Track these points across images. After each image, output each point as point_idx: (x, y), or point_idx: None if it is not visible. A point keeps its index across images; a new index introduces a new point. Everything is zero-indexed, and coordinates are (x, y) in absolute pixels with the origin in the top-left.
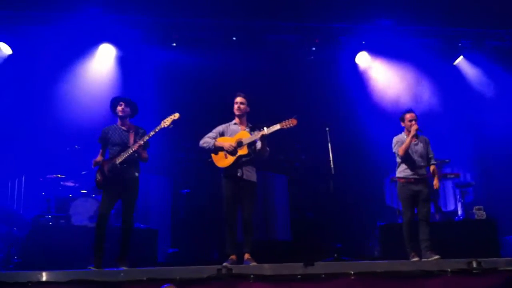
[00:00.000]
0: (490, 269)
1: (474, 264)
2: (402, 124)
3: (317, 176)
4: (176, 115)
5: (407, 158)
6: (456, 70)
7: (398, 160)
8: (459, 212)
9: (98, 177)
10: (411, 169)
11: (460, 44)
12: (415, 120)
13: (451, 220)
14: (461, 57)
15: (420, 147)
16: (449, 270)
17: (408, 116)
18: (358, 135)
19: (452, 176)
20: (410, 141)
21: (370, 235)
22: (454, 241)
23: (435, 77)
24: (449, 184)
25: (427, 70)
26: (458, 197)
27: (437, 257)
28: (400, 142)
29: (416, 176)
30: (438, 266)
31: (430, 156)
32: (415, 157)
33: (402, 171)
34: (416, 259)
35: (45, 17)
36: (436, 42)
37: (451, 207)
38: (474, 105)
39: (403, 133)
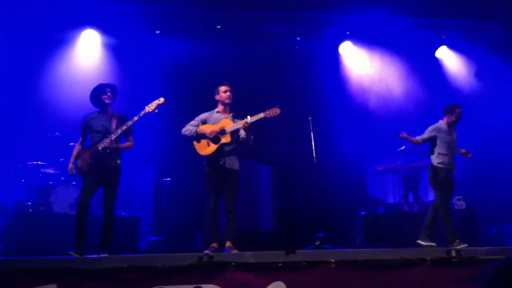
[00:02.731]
0: (469, 258)
1: (453, 253)
2: (447, 116)
3: (300, 166)
4: (161, 100)
5: (446, 147)
6: (438, 61)
7: (436, 148)
8: None
9: (80, 163)
10: (449, 158)
11: (443, 36)
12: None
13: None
14: (443, 47)
15: (454, 136)
16: (428, 258)
17: (458, 110)
18: (341, 125)
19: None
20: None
21: (352, 224)
22: (434, 230)
23: (419, 67)
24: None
25: (411, 60)
26: None
27: (465, 245)
28: (436, 130)
29: (452, 167)
30: (418, 255)
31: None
32: (452, 146)
33: (441, 159)
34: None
35: None
36: (423, 33)
37: (431, 197)
38: (458, 96)
39: (441, 121)
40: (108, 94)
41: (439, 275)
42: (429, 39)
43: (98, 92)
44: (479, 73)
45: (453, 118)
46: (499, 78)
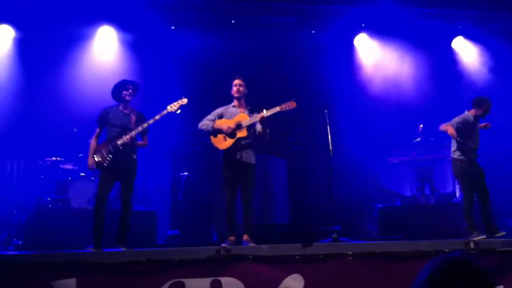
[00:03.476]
0: (487, 250)
1: (472, 245)
2: (476, 109)
3: (316, 159)
4: (184, 101)
5: (468, 139)
6: (454, 52)
7: (460, 140)
8: (457, 194)
9: (97, 158)
10: (471, 150)
11: (460, 27)
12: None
13: (449, 202)
14: (460, 37)
15: (478, 128)
16: (446, 250)
17: (487, 104)
18: (356, 118)
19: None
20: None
21: (368, 217)
22: (451, 222)
23: (434, 59)
24: (447, 166)
25: (426, 52)
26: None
27: (503, 233)
28: (462, 122)
29: (473, 157)
30: (435, 247)
31: None
32: (476, 139)
33: (462, 151)
34: (482, 236)
35: None
36: (436, 23)
37: (449, 189)
38: (474, 88)
39: (467, 113)
40: (130, 91)
41: None
42: (445, 29)
43: (120, 87)
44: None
45: (481, 111)
46: None
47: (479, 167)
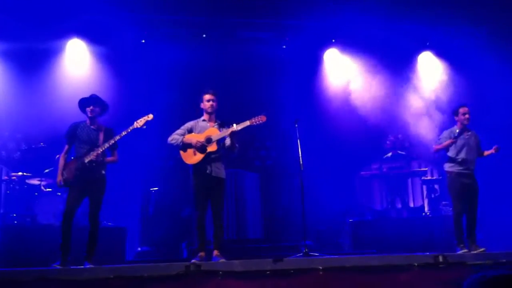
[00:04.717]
0: (456, 263)
1: (441, 259)
2: (456, 118)
3: (288, 173)
4: (150, 116)
5: (457, 151)
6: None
7: (449, 153)
8: (426, 208)
9: (65, 174)
10: (462, 162)
11: (427, 43)
12: (469, 114)
13: (419, 215)
14: (427, 52)
15: (471, 140)
16: (416, 264)
17: (461, 110)
18: (328, 132)
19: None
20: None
21: (340, 231)
22: (421, 236)
23: (402, 74)
24: (416, 180)
25: (395, 66)
26: (425, 193)
27: (483, 249)
28: (447, 135)
29: (467, 171)
30: (406, 261)
31: (480, 150)
32: (469, 150)
33: (453, 164)
34: (464, 250)
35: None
36: (404, 38)
37: (418, 202)
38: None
39: (455, 126)
40: (92, 107)
41: (427, 280)
42: (414, 45)
43: (82, 104)
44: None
45: (459, 119)
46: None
47: (472, 181)
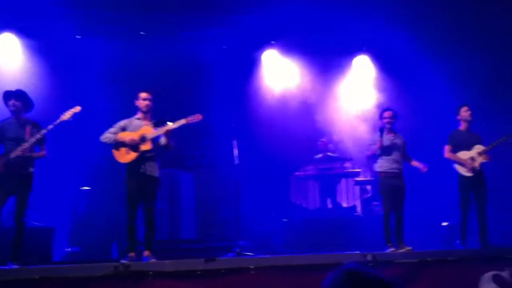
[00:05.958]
0: (385, 262)
1: (369, 257)
2: (380, 122)
3: (223, 173)
4: (77, 109)
5: (386, 152)
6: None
7: (378, 154)
8: (359, 208)
9: None
10: (388, 163)
11: (364, 47)
12: (391, 118)
13: (351, 215)
14: (363, 56)
15: (399, 141)
16: (346, 263)
17: (384, 114)
18: (264, 132)
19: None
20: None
21: (274, 231)
22: (353, 235)
23: (338, 76)
24: (350, 181)
25: (333, 68)
26: (358, 193)
27: (409, 248)
28: (373, 141)
29: (395, 170)
30: (335, 260)
31: (406, 153)
32: (394, 151)
33: (382, 165)
34: (392, 249)
35: None
36: (342, 41)
37: (351, 203)
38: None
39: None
40: (13, 101)
41: None
42: (351, 48)
43: (5, 97)
44: None
45: (383, 122)
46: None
47: (399, 181)
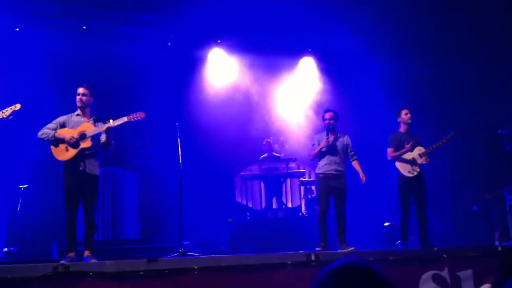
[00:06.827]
0: (327, 261)
1: (313, 257)
2: (323, 123)
3: (168, 173)
4: (17, 106)
5: (325, 154)
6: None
7: (319, 155)
8: (303, 208)
9: None
10: (326, 164)
11: (309, 49)
12: (331, 119)
13: (295, 215)
14: (308, 57)
15: (339, 143)
16: (290, 262)
17: (324, 115)
18: (209, 132)
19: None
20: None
21: (220, 231)
22: (297, 235)
23: (279, 76)
24: (295, 181)
25: (278, 69)
26: (303, 193)
27: (352, 248)
28: (317, 137)
29: (333, 172)
30: (280, 259)
31: (351, 152)
32: (334, 153)
33: (321, 166)
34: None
35: None
36: (288, 42)
37: (296, 203)
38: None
39: (324, 132)
40: None
41: (299, 278)
42: (297, 50)
43: None
44: None
45: (323, 122)
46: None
47: (339, 182)
